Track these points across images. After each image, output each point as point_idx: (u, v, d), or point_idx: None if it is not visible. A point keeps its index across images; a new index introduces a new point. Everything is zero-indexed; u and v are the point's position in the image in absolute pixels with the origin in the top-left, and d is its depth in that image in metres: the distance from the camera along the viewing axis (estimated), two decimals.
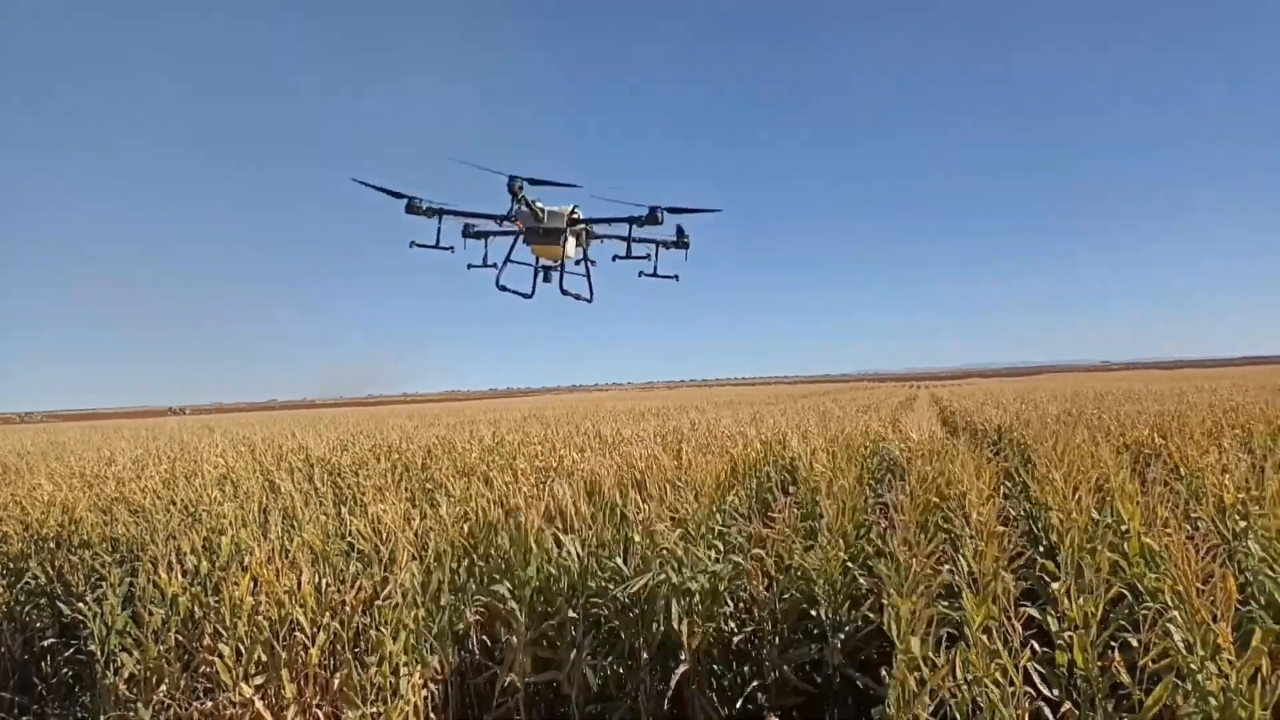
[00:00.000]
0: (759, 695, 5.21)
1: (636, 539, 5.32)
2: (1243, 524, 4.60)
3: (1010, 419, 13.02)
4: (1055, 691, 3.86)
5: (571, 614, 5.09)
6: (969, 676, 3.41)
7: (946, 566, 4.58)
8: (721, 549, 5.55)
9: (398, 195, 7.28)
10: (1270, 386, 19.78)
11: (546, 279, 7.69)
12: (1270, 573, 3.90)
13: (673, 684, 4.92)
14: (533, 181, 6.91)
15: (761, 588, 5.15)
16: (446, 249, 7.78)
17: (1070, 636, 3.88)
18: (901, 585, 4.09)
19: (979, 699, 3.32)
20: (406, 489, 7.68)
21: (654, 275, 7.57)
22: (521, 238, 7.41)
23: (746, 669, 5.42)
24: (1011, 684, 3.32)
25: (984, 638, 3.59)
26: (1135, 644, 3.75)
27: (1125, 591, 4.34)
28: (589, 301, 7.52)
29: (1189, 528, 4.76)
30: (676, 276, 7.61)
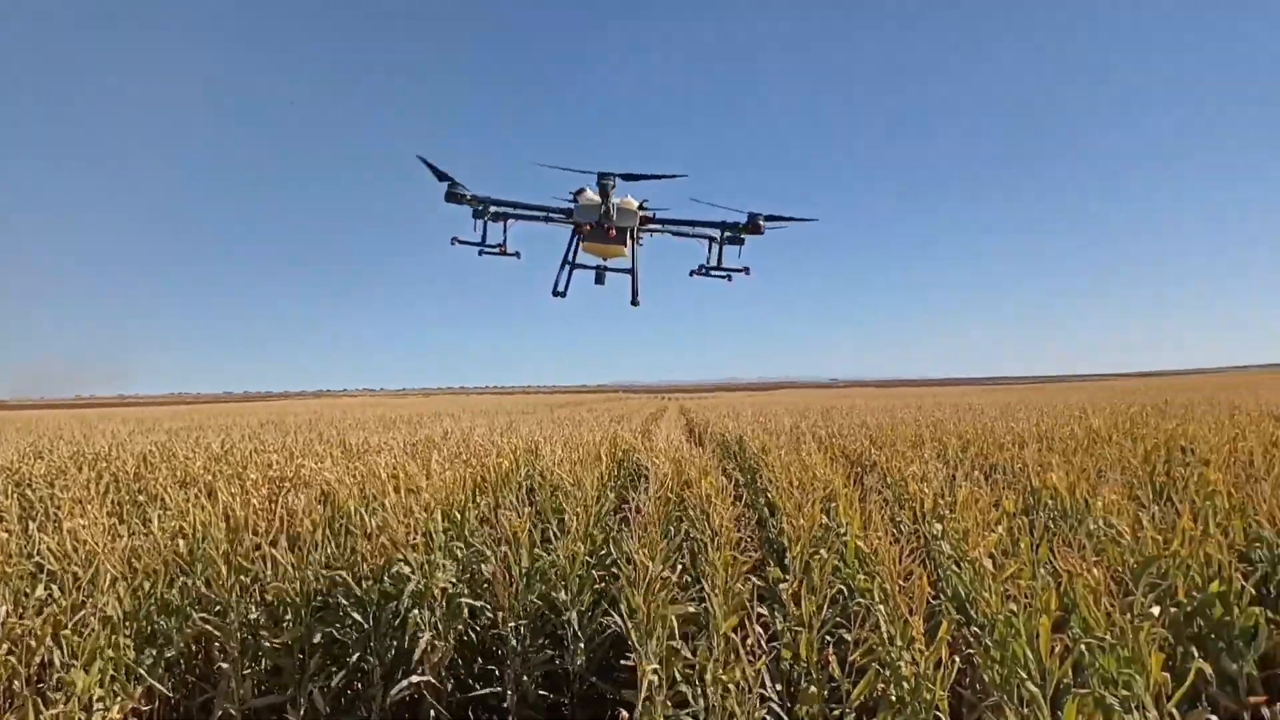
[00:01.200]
0: (503, 705, 5.18)
1: (366, 550, 5.11)
2: (938, 526, 5.30)
3: (748, 430, 14.04)
4: (779, 687, 4.19)
5: (300, 631, 4.76)
6: (709, 678, 3.60)
7: (680, 567, 4.82)
8: (463, 555, 5.47)
9: (444, 177, 6.55)
10: (962, 405, 23.06)
11: (600, 280, 7.20)
12: (956, 569, 4.51)
13: (403, 697, 4.76)
14: (626, 177, 6.38)
15: (506, 594, 5.13)
16: (493, 249, 7.12)
17: (797, 634, 4.22)
18: (640, 587, 4.25)
19: (717, 701, 3.52)
20: (114, 502, 6.81)
21: (716, 271, 7.05)
22: (579, 236, 6.81)
23: (490, 679, 5.38)
24: (748, 684, 3.55)
25: (722, 642, 3.81)
26: (848, 639, 4.17)
27: (843, 590, 4.83)
28: (636, 304, 6.97)
29: (895, 531, 5.39)
30: (748, 269, 7.12)
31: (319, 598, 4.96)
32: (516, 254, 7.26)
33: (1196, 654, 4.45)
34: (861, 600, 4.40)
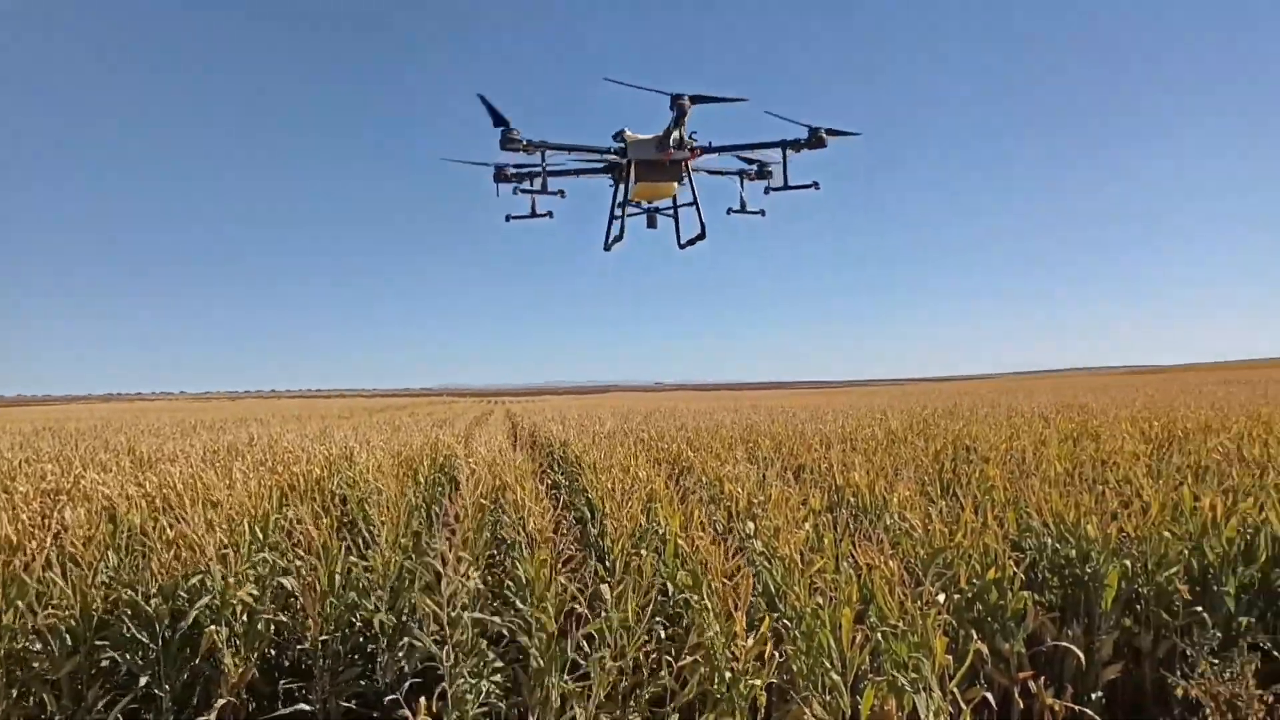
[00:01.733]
0: None
1: (156, 566, 4.71)
2: (751, 525, 5.56)
3: (571, 433, 14.13)
4: (603, 691, 4.25)
5: (79, 660, 4.31)
6: (533, 685, 3.59)
7: (496, 573, 4.80)
8: (267, 569, 5.17)
9: (501, 121, 6.07)
10: (777, 408, 24.25)
11: (652, 224, 6.85)
12: (768, 565, 4.76)
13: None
14: (695, 99, 5.86)
15: (313, 608, 4.89)
16: (544, 215, 6.94)
17: (620, 635, 4.29)
18: (445, 596, 4.18)
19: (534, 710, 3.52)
20: None
21: (787, 188, 6.79)
22: (628, 180, 6.37)
23: (297, 699, 5.09)
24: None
25: (538, 651, 3.81)
26: (671, 636, 4.29)
27: (665, 588, 4.96)
28: (704, 238, 6.65)
29: (714, 530, 5.60)
30: (817, 184, 6.84)
31: (101, 620, 4.52)
32: (549, 214, 7.10)
33: (975, 636, 4.93)
34: (683, 598, 4.55)
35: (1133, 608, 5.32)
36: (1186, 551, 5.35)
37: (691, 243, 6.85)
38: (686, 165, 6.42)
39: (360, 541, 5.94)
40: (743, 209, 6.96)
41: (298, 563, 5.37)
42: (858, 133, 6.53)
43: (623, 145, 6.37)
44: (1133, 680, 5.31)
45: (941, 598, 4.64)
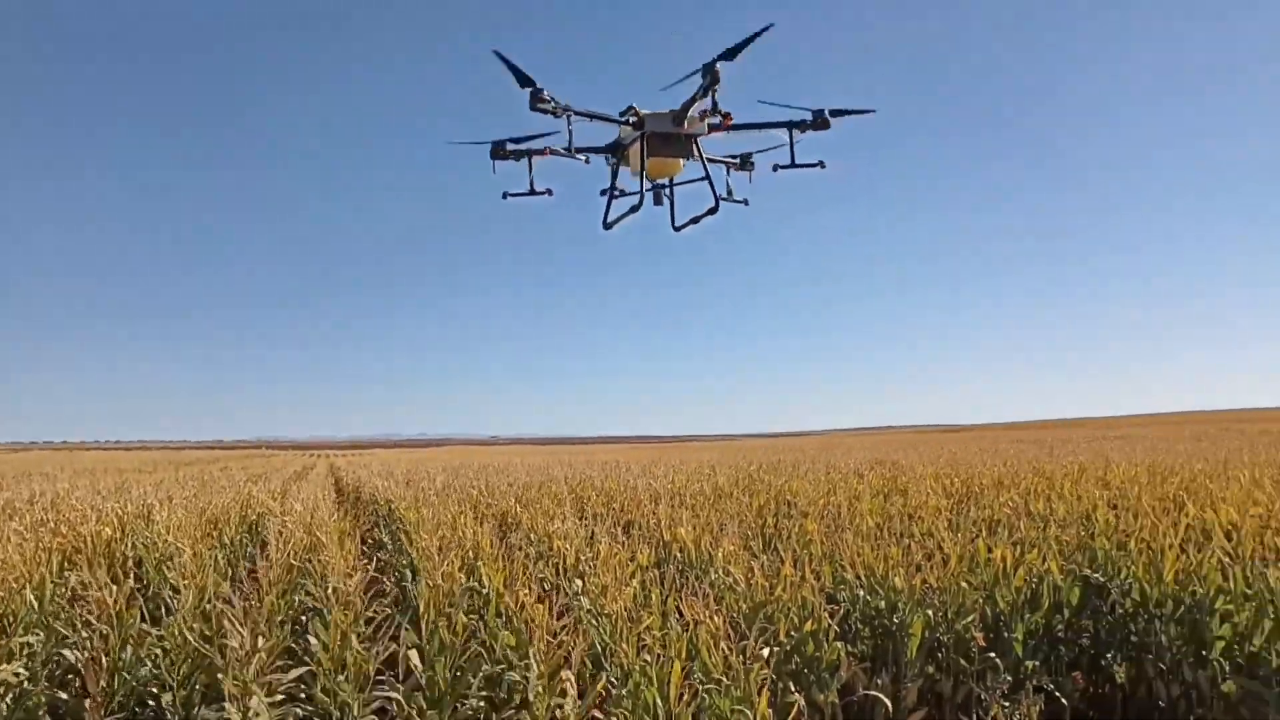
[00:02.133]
0: None
1: None
2: (579, 582, 5.53)
3: (395, 490, 13.63)
4: None
5: None
6: None
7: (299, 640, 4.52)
8: (42, 641, 4.62)
9: (528, 81, 5.69)
10: (610, 462, 24.40)
11: (660, 202, 6.57)
12: (595, 623, 4.73)
13: None
14: (724, 56, 5.51)
15: (97, 684, 4.39)
16: (544, 193, 6.65)
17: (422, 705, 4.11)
18: (246, 665, 3.90)
19: None
20: None
21: (794, 166, 6.57)
22: (634, 150, 6.07)
23: None
24: None
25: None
26: (493, 701, 4.15)
27: (485, 650, 4.81)
28: (716, 212, 6.36)
29: (541, 589, 5.52)
30: (822, 163, 6.66)
31: None
32: (548, 191, 6.83)
33: (793, 688, 5.09)
34: (504, 661, 4.43)
35: (935, 655, 5.67)
36: (981, 600, 5.79)
37: (697, 220, 6.65)
38: (696, 140, 6.31)
39: (158, 608, 5.44)
40: (729, 196, 6.84)
41: (84, 634, 4.84)
42: (871, 110, 6.49)
43: (637, 119, 6.22)
44: None
45: (766, 651, 4.79)
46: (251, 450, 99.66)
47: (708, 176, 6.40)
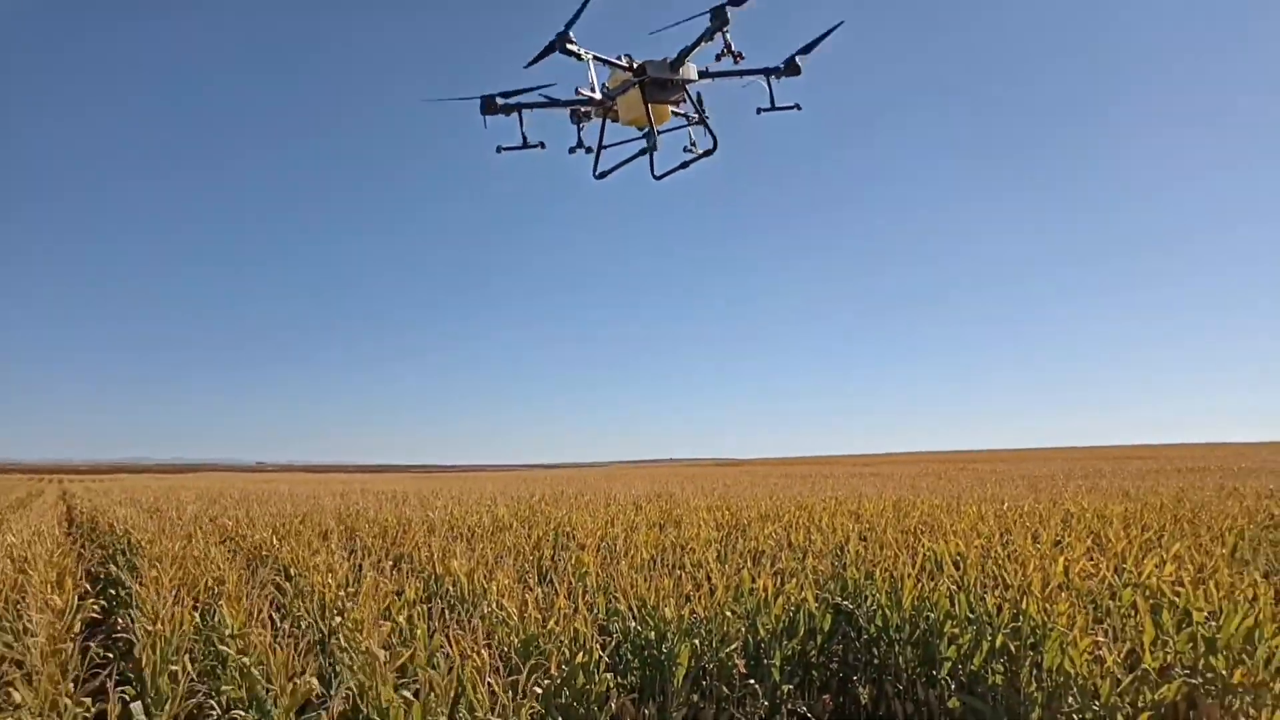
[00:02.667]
0: None
1: None
2: (336, 619, 5.20)
3: (142, 519, 12.32)
4: None
5: None
6: None
7: None
8: None
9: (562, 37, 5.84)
10: (388, 491, 23.38)
11: (654, 148, 6.52)
12: (350, 662, 4.45)
13: None
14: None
15: None
16: (536, 146, 6.76)
17: None
18: None
19: None
20: None
21: (774, 109, 6.82)
22: (625, 99, 6.30)
23: None
24: None
25: None
26: None
27: (215, 704, 4.40)
28: (715, 150, 6.61)
29: (295, 627, 5.14)
30: (799, 106, 6.89)
31: None
32: (541, 144, 6.87)
33: (561, 719, 5.06)
34: (238, 712, 4.07)
35: (700, 683, 5.86)
36: (744, 629, 6.06)
37: (686, 165, 6.80)
38: (686, 86, 6.55)
39: None
40: (770, 109, 6.99)
41: None
42: (838, 23, 6.67)
43: (637, 65, 6.39)
44: None
45: (539, 690, 4.73)
46: None
47: (704, 121, 6.72)
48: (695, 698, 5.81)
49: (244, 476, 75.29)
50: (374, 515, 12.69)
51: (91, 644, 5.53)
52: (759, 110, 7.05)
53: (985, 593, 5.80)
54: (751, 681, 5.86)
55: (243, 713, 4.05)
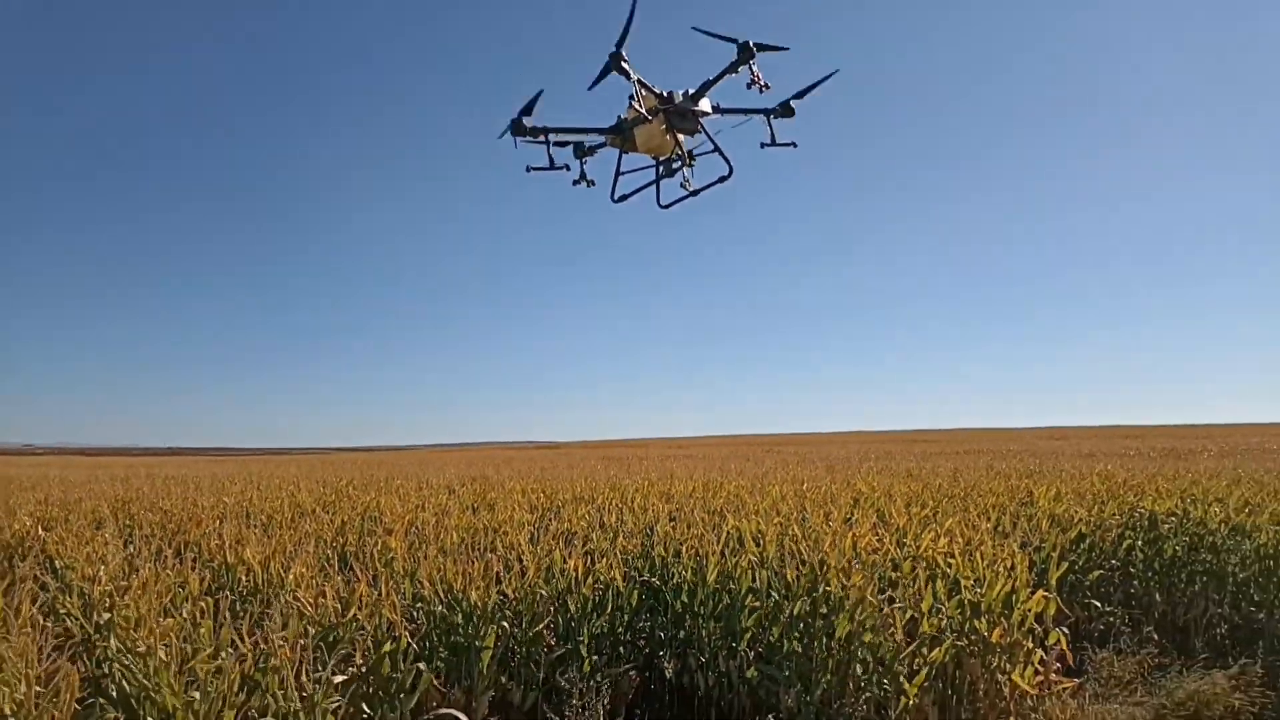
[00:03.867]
0: None
1: None
2: (106, 616, 4.80)
3: None
4: None
5: None
6: None
7: None
8: None
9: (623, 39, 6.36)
10: (177, 477, 21.64)
11: (669, 174, 7.51)
12: (125, 663, 4.13)
13: None
14: (760, 47, 6.58)
15: None
16: (562, 168, 7.39)
17: None
18: None
19: None
20: None
21: (774, 145, 7.49)
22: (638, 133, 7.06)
23: None
24: None
25: None
26: None
27: None
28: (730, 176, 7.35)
29: (50, 625, 4.67)
30: (794, 144, 7.58)
31: None
32: (566, 166, 7.50)
33: (366, 710, 4.95)
34: None
35: (508, 664, 5.89)
36: (554, 608, 6.15)
37: (696, 193, 7.51)
38: (700, 118, 7.18)
39: None
40: (771, 144, 7.63)
41: None
42: (833, 71, 7.42)
43: (667, 93, 6.97)
44: None
45: (339, 678, 4.60)
46: None
47: (717, 149, 7.33)
48: (504, 679, 5.84)
49: (6, 460, 67.27)
50: (158, 502, 11.75)
51: None
52: (762, 145, 7.72)
53: (784, 567, 6.17)
54: (564, 656, 5.98)
55: None
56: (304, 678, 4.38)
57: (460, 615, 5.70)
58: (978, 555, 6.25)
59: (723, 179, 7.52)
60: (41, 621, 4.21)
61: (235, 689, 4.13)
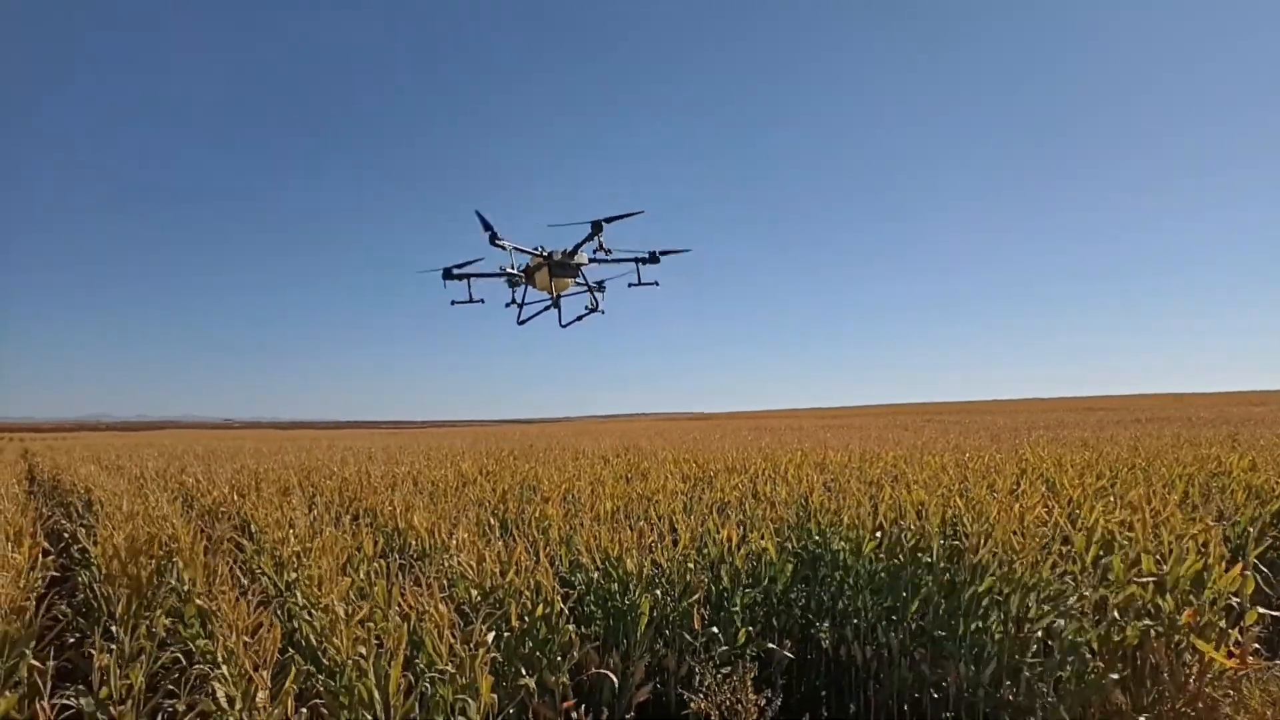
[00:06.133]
0: None
1: None
2: (294, 575, 5.19)
3: (105, 478, 12.20)
4: None
5: None
6: None
7: None
8: None
9: (490, 229, 9.65)
10: (355, 448, 23.28)
11: (556, 305, 10.81)
12: (308, 618, 4.46)
13: None
14: (608, 220, 9.67)
15: None
16: (479, 301, 10.74)
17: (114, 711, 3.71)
18: None
19: None
20: None
21: (640, 284, 10.84)
22: (540, 274, 10.44)
23: None
24: None
25: None
26: (181, 708, 3.81)
27: (180, 656, 4.39)
28: (595, 311, 11.06)
29: (247, 582, 5.12)
30: (657, 282, 10.90)
31: None
32: (482, 300, 10.71)
33: (524, 671, 5.13)
34: (202, 664, 4.07)
35: (662, 632, 5.95)
36: (708, 579, 6.15)
37: (580, 318, 11.03)
38: (580, 269, 10.33)
39: None
40: (638, 284, 10.93)
41: None
42: (688, 249, 10.90)
43: (550, 253, 10.17)
44: (661, 699, 5.92)
45: (491, 636, 4.77)
46: None
47: (590, 289, 10.60)
48: (659, 646, 5.91)
49: (209, 434, 74.46)
50: (335, 471, 12.64)
51: (59, 601, 5.51)
52: (630, 285, 10.75)
53: (952, 538, 5.91)
54: (714, 629, 5.97)
55: (209, 668, 4.05)
56: (462, 638, 4.58)
57: (615, 582, 5.80)
58: (1163, 529, 5.75)
59: (593, 310, 10.86)
60: (241, 579, 4.61)
61: (402, 644, 4.38)
